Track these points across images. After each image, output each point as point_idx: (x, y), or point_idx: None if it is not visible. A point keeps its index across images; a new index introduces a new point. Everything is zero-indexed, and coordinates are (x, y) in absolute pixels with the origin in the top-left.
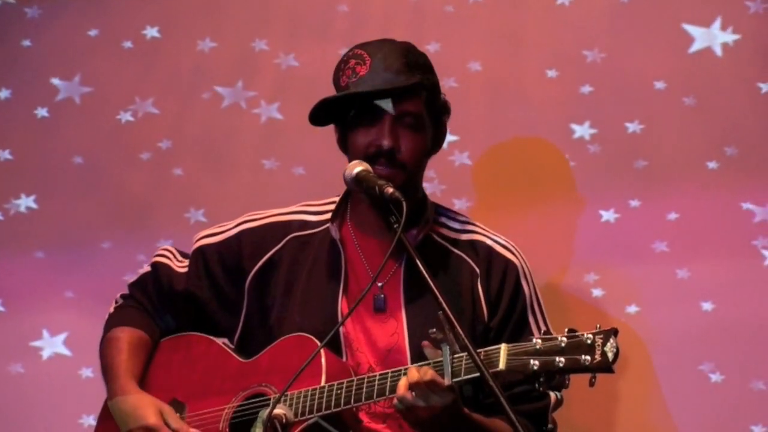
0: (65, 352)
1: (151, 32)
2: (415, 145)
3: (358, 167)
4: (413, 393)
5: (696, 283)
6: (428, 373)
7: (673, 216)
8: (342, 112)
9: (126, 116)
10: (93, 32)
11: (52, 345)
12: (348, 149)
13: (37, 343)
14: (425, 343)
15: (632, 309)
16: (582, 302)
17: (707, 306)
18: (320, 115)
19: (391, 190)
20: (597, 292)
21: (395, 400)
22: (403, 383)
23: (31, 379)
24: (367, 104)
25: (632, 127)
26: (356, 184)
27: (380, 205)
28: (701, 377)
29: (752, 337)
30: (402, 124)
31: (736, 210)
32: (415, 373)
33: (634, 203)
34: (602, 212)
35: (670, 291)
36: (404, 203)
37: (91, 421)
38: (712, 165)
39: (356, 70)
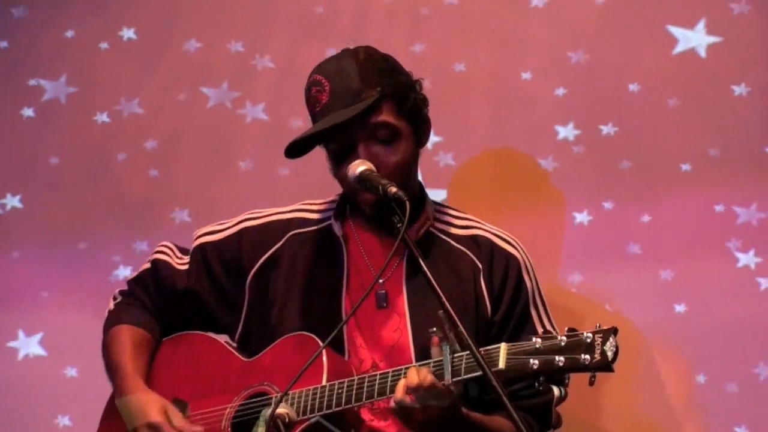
0: (41, 352)
1: (128, 33)
2: (395, 157)
3: (361, 167)
4: (411, 396)
5: (669, 285)
6: (428, 378)
7: (646, 218)
8: (319, 140)
9: (102, 117)
10: (69, 33)
11: (27, 345)
12: (336, 177)
13: (13, 344)
14: (434, 341)
15: (606, 310)
16: (555, 303)
17: (680, 308)
18: (295, 149)
19: (394, 189)
20: (571, 293)
21: (392, 403)
22: (401, 386)
23: (7, 379)
24: (335, 136)
25: (613, 128)
26: (359, 183)
27: (383, 203)
28: (675, 379)
29: (726, 339)
30: (377, 140)
31: (710, 212)
32: (414, 376)
33: (608, 205)
34: (576, 214)
35: (643, 293)
36: (407, 203)
37: (66, 421)
38: (685, 167)
39: (318, 98)
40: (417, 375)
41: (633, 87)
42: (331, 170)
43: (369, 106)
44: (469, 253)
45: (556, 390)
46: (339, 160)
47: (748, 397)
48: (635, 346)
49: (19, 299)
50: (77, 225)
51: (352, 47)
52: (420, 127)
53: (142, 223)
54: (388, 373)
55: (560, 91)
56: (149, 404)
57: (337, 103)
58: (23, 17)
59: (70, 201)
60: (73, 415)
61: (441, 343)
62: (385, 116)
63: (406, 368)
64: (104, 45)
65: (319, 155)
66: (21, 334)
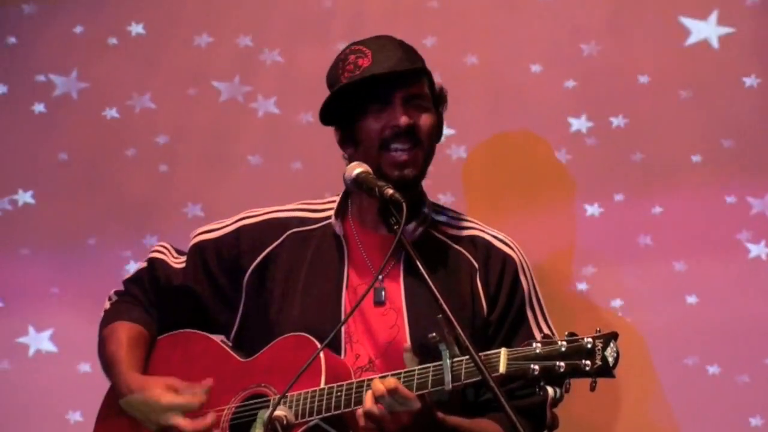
0: (51, 348)
1: (137, 29)
2: (430, 122)
3: (357, 169)
4: (379, 405)
5: (681, 277)
6: (391, 383)
7: (657, 210)
8: (348, 109)
9: (114, 112)
10: (78, 29)
11: (38, 341)
12: (358, 140)
13: (23, 340)
14: (406, 347)
15: (617, 303)
16: (567, 296)
17: (692, 300)
18: (328, 110)
19: (390, 191)
20: (582, 286)
21: (362, 421)
22: (368, 397)
23: (18, 375)
24: (376, 91)
25: (625, 120)
26: (355, 185)
27: (379, 205)
28: (687, 371)
29: (737, 331)
30: (412, 105)
31: (721, 203)
32: (379, 385)
33: (619, 197)
34: (587, 207)
35: (655, 285)
36: (404, 204)
37: (77, 417)
38: (696, 159)
39: (358, 63)
40: (382, 383)
41: (644, 78)
42: (346, 130)
43: (416, 70)
44: (465, 253)
45: (551, 390)
46: (368, 113)
47: (761, 388)
48: (646, 338)
49: (29, 295)
50: (87, 221)
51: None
52: (439, 117)
53: (153, 219)
54: (386, 375)
55: (572, 84)
56: (151, 390)
57: (380, 66)
58: (33, 13)
59: (80, 197)
60: (85, 410)
61: (440, 347)
62: (425, 89)
63: (405, 372)
64: (113, 40)
65: (329, 149)
66: (31, 330)
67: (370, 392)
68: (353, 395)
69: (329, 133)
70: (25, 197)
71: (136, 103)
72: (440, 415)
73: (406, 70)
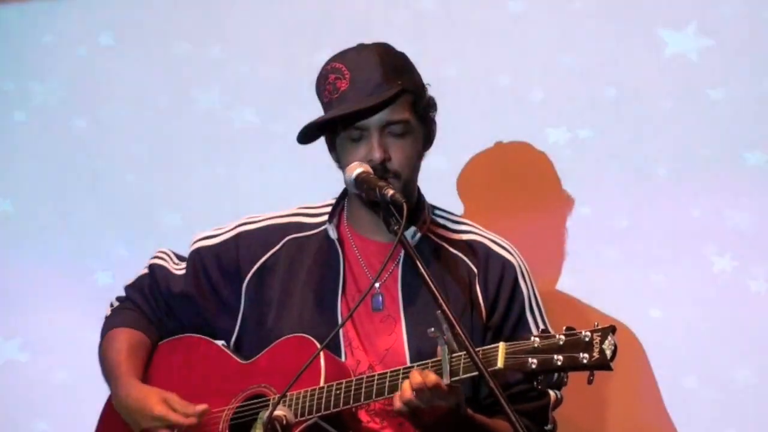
0: (20, 357)
1: (106, 39)
2: (405, 153)
3: (358, 169)
4: (417, 396)
5: (645, 290)
6: (431, 377)
7: (624, 223)
8: (329, 128)
9: (91, 121)
10: (54, 38)
11: (6, 350)
12: (341, 165)
13: None
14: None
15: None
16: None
17: (656, 313)
18: (307, 134)
19: (391, 192)
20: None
21: (399, 405)
22: (406, 386)
23: None
24: (352, 122)
25: (599, 131)
26: (357, 186)
27: (380, 206)
28: (651, 383)
29: (704, 344)
30: (390, 133)
31: (689, 217)
32: (418, 376)
33: (585, 210)
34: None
35: (621, 298)
36: (405, 205)
37: (44, 426)
38: (667, 171)
39: (337, 85)
40: (420, 375)
41: (623, 90)
42: (337, 158)
43: (390, 98)
44: (464, 258)
45: (552, 394)
46: (346, 145)
47: (731, 401)
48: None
49: None
50: (58, 229)
51: (368, 42)
52: (429, 129)
53: (126, 228)
54: (386, 373)
55: (549, 95)
56: (148, 399)
57: (358, 92)
58: (11, 20)
59: (55, 205)
60: (51, 419)
61: (438, 342)
62: (403, 111)
63: (404, 369)
64: (82, 50)
65: (307, 157)
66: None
67: (407, 382)
68: (352, 394)
69: (307, 144)
70: (3, 205)
71: (113, 111)
72: (470, 411)
73: (376, 104)
